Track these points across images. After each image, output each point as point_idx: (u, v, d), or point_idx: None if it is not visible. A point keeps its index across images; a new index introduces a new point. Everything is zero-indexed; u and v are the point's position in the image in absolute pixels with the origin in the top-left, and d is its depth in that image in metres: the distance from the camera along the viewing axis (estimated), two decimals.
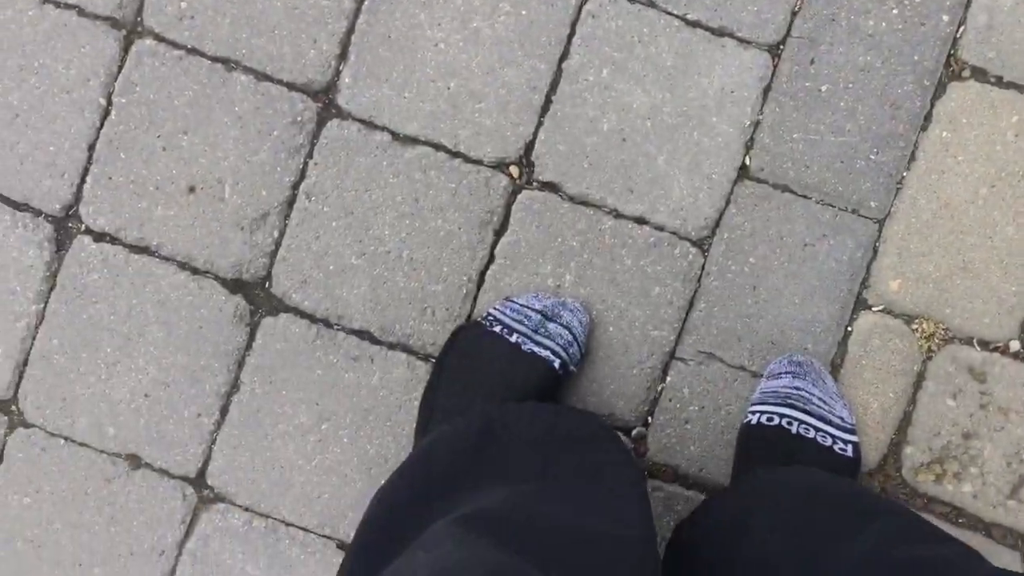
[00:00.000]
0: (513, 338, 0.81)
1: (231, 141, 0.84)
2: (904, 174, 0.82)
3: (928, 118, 0.82)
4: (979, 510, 0.82)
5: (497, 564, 0.46)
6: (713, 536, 0.72)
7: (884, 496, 0.68)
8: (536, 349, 0.80)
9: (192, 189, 0.84)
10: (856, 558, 0.57)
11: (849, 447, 0.80)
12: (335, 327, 0.85)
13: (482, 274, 0.84)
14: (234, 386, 0.86)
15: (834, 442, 0.79)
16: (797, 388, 0.80)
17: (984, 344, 0.82)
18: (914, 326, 0.82)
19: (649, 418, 0.84)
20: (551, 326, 0.81)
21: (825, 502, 0.65)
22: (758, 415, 0.80)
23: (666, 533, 0.84)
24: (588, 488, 0.64)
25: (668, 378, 0.84)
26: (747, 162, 0.83)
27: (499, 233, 0.84)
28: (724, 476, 0.83)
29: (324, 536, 0.85)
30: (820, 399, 0.80)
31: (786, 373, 0.80)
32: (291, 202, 0.85)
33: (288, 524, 0.86)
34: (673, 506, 0.84)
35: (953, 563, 0.53)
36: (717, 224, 0.83)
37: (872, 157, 0.82)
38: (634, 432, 0.84)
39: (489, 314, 0.83)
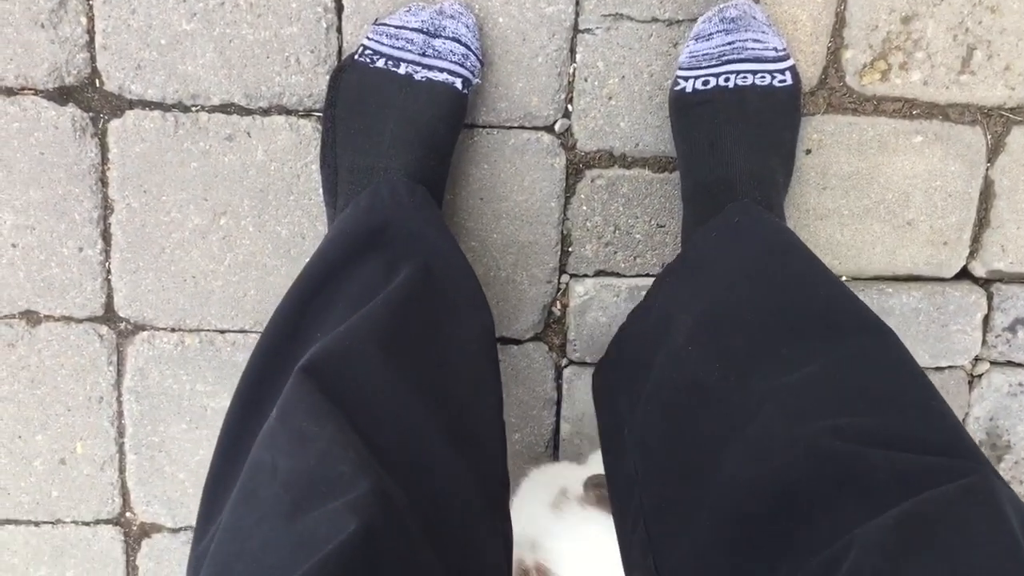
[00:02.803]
0: (401, 69, 0.84)
1: None
2: None
3: None
4: (932, 95, 0.92)
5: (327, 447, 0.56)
6: (636, 342, 0.83)
7: (831, 283, 0.72)
8: (431, 75, 0.84)
9: None
10: (790, 430, 0.60)
11: (788, 74, 0.88)
12: (194, 109, 0.88)
13: None
14: (107, 207, 0.90)
15: (772, 77, 0.86)
16: (730, 43, 0.86)
17: None
18: None
19: (569, 106, 0.90)
20: (438, 43, 0.84)
21: (758, 305, 0.72)
22: (692, 80, 0.86)
23: (618, 219, 0.93)
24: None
25: (578, 56, 0.89)
26: None
27: None
28: (662, 144, 0.91)
29: None
30: (754, 40, 0.86)
31: (718, 32, 0.86)
32: None
33: (223, 331, 0.94)
34: (618, 190, 0.92)
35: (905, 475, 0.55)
36: None
37: None
38: (557, 125, 0.91)
39: (365, 48, 0.85)
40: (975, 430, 1.04)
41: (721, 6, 0.87)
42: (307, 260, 0.78)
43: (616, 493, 0.78)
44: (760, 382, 0.65)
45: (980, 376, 1.02)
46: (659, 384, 0.74)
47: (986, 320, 1.00)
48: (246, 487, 0.57)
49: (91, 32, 0.86)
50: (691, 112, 0.87)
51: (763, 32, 0.87)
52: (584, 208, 0.94)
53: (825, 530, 0.54)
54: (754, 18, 0.87)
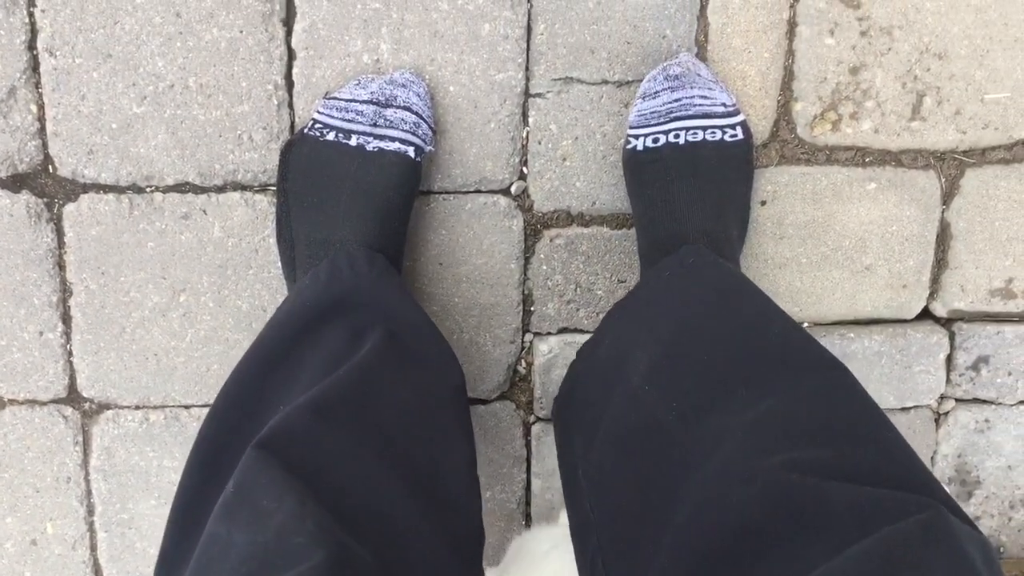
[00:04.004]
0: (352, 141, 0.86)
1: None
2: None
3: None
4: (884, 143, 0.94)
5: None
6: (587, 379, 0.85)
7: (786, 325, 0.74)
8: (383, 145, 0.86)
9: None
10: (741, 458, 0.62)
11: (738, 128, 0.90)
12: (148, 189, 0.90)
13: (288, 76, 0.88)
14: (65, 290, 0.92)
15: (723, 132, 0.88)
16: (677, 100, 0.88)
17: None
18: None
19: (524, 168, 0.92)
20: (389, 112, 0.86)
21: (713, 345, 0.73)
22: (642, 139, 0.88)
23: (578, 277, 0.95)
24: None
25: (530, 119, 0.91)
26: None
27: (288, 22, 0.87)
28: (618, 201, 0.93)
29: None
30: (701, 97, 0.88)
31: (664, 90, 0.88)
32: (35, 66, 0.86)
33: (187, 407, 0.96)
34: (577, 249, 0.94)
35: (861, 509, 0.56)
36: None
37: None
38: (512, 188, 0.92)
39: (315, 121, 0.87)
40: (944, 467, 1.06)
41: (665, 64, 0.89)
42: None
43: (575, 533, 0.79)
44: (717, 420, 0.67)
45: (946, 414, 1.04)
46: (613, 424, 0.76)
47: (949, 359, 1.02)
48: (201, 560, 0.58)
49: (41, 120, 0.88)
50: (643, 170, 0.89)
51: (710, 88, 0.89)
52: (544, 268, 0.96)
53: (784, 567, 0.55)
54: (699, 75, 0.89)
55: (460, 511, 0.72)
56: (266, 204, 0.91)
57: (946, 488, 0.61)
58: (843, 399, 0.66)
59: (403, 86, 0.87)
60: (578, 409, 0.84)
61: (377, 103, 0.87)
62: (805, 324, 0.99)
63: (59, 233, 0.91)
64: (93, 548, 1.01)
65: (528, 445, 1.02)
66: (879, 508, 0.55)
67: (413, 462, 0.69)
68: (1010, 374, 1.02)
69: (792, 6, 0.90)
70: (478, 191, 0.93)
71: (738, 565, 0.57)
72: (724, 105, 0.90)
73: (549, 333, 0.98)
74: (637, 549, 0.67)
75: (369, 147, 0.86)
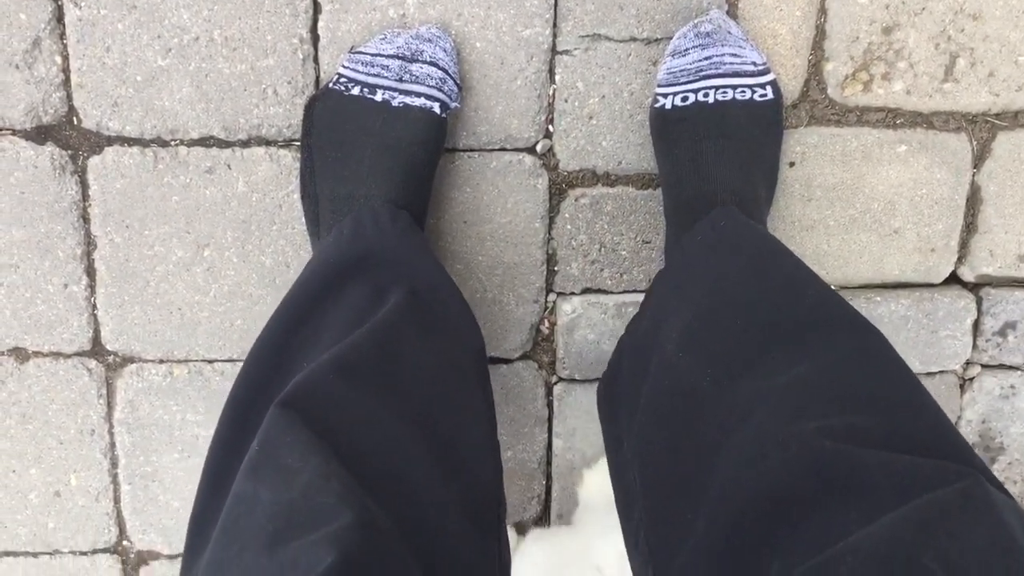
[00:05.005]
0: (378, 96, 0.86)
1: None
2: None
3: None
4: (915, 104, 0.93)
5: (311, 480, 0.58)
6: (631, 354, 0.85)
7: (816, 286, 0.75)
8: (408, 100, 0.86)
9: None
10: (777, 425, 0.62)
11: (768, 88, 0.90)
12: (173, 143, 0.90)
13: (313, 29, 0.88)
14: (90, 243, 0.92)
15: (752, 92, 0.88)
16: (707, 57, 0.87)
17: None
18: None
19: (550, 127, 0.92)
20: (415, 68, 0.86)
21: (746, 309, 0.73)
22: (671, 97, 0.88)
23: (603, 237, 0.95)
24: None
25: (557, 77, 0.91)
26: None
27: None
28: (644, 161, 0.93)
29: None
30: (731, 55, 0.87)
31: (694, 48, 0.87)
32: (59, 16, 0.86)
33: (211, 361, 0.97)
34: (602, 208, 0.95)
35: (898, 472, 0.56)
36: None
37: None
38: (538, 146, 0.93)
39: (340, 76, 0.87)
40: (968, 433, 1.06)
41: (695, 21, 0.88)
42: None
43: (620, 508, 0.80)
44: (750, 384, 0.67)
45: (971, 380, 1.05)
46: (653, 393, 0.76)
47: (976, 324, 1.02)
48: (228, 518, 0.59)
49: (66, 71, 0.88)
50: (671, 129, 0.89)
51: (740, 47, 0.89)
52: (569, 227, 0.97)
53: (818, 534, 0.55)
54: (729, 32, 0.89)
55: (480, 478, 0.73)
56: (290, 160, 0.92)
57: None
58: (878, 364, 0.66)
59: (429, 41, 0.87)
60: (624, 382, 0.85)
61: (403, 58, 0.87)
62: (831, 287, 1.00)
63: (83, 186, 0.92)
64: (116, 500, 1.03)
65: (550, 405, 1.03)
66: (916, 476, 0.55)
67: (434, 426, 0.70)
68: None
69: None
70: (503, 149, 0.94)
71: (772, 531, 0.58)
72: (754, 64, 0.89)
73: (573, 293, 0.99)
74: (676, 518, 0.68)
75: (394, 102, 0.87)
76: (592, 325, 0.99)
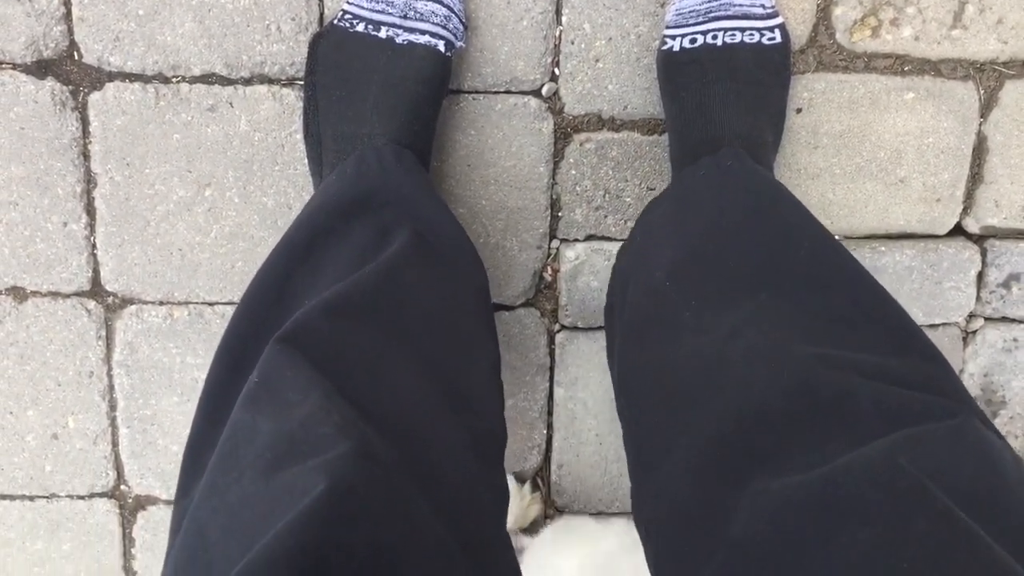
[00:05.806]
0: (382, 33, 0.86)
1: None
2: None
3: None
4: (923, 51, 0.93)
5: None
6: (619, 277, 0.87)
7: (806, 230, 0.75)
8: (412, 38, 0.86)
9: None
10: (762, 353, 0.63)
11: (777, 32, 0.89)
12: (174, 80, 0.90)
13: None
14: (90, 181, 0.92)
15: (760, 35, 0.88)
16: None
17: None
18: None
19: (555, 69, 0.92)
20: (419, 5, 0.86)
21: (741, 250, 0.73)
22: (679, 39, 0.88)
23: (607, 183, 0.95)
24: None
25: (564, 18, 0.91)
26: None
27: None
28: (650, 106, 0.93)
29: None
30: None
31: None
32: None
33: (211, 304, 0.97)
34: (607, 154, 0.95)
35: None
36: None
37: None
38: (544, 89, 0.92)
39: (344, 12, 0.87)
40: (970, 386, 1.07)
41: None
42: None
43: (624, 439, 0.81)
44: (735, 315, 0.68)
45: (974, 332, 1.05)
46: (633, 316, 0.77)
47: (980, 276, 1.02)
48: (227, 445, 0.60)
49: (67, 4, 0.88)
50: (679, 72, 0.89)
51: None
52: (573, 172, 0.96)
53: (805, 452, 0.55)
54: None
55: (484, 413, 0.74)
56: (293, 99, 0.92)
57: None
58: (874, 306, 0.66)
59: None
60: (615, 307, 0.85)
61: None
62: (836, 237, 1.00)
63: (84, 122, 0.91)
64: (115, 443, 1.03)
65: (552, 353, 1.03)
66: (908, 408, 0.55)
67: (437, 363, 0.70)
68: None
69: None
70: (508, 91, 0.93)
71: (756, 445, 0.58)
72: (763, 7, 0.89)
73: (576, 240, 0.99)
74: (658, 433, 0.68)
75: (399, 40, 0.86)
76: (595, 272, 0.99)
